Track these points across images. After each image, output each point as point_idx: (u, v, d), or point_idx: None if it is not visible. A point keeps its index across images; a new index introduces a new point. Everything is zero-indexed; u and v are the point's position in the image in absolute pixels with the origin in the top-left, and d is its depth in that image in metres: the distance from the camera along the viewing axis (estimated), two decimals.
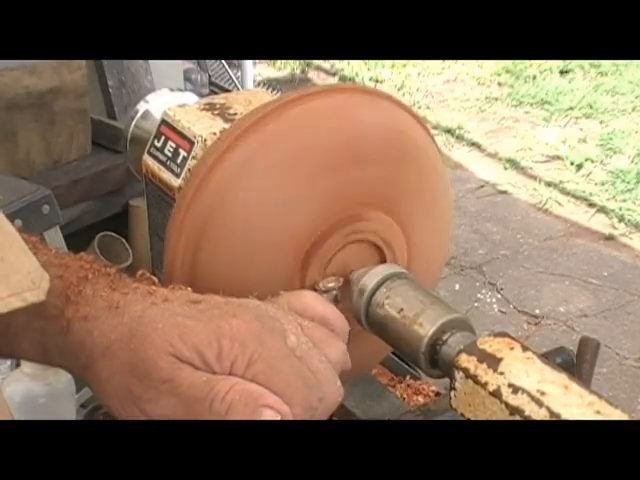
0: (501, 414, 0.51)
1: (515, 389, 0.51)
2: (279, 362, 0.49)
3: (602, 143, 3.93)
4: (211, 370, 0.48)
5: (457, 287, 2.94)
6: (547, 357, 0.54)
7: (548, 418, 0.48)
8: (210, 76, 3.43)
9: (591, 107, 4.28)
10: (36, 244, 0.57)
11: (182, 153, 0.71)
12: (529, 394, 0.50)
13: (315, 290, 0.64)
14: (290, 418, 0.48)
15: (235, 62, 3.44)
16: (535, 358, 0.53)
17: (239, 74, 3.24)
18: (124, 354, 0.49)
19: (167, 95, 0.82)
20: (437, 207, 0.73)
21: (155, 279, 0.55)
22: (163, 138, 0.73)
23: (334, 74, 4.79)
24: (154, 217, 0.77)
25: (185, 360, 0.48)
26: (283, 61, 4.81)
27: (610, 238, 3.25)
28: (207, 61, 3.43)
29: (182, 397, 0.48)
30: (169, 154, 0.72)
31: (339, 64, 4.87)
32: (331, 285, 0.65)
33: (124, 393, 0.49)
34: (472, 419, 0.54)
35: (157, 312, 0.50)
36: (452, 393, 0.55)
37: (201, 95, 0.84)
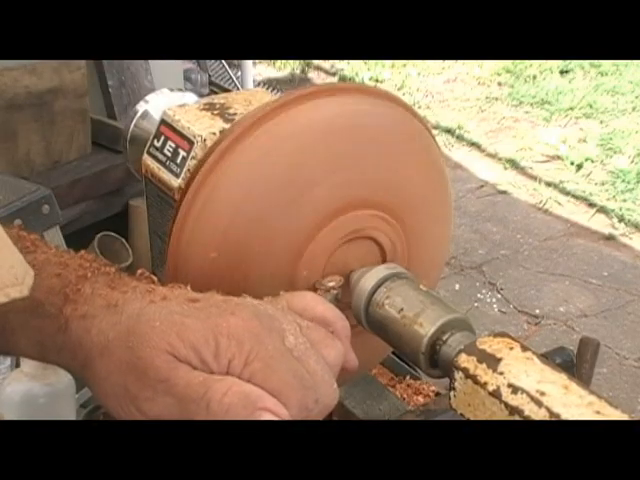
0: (501, 414, 0.51)
1: (515, 389, 0.51)
2: (276, 362, 0.49)
3: (602, 143, 3.93)
4: (209, 369, 0.48)
5: (457, 287, 2.93)
6: (547, 357, 0.54)
7: (548, 418, 0.48)
8: (210, 76, 3.44)
9: (591, 107, 4.28)
10: (36, 242, 0.56)
11: (182, 153, 0.71)
12: (529, 394, 0.50)
13: (315, 290, 0.63)
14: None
15: (235, 62, 3.44)
16: (535, 358, 0.53)
17: (239, 74, 3.25)
18: (122, 352, 0.49)
19: (167, 95, 0.82)
20: (437, 206, 0.73)
21: (154, 278, 0.55)
22: (163, 138, 0.73)
23: (334, 74, 4.79)
24: (154, 217, 0.77)
25: (182, 358, 0.48)
26: (283, 61, 4.81)
27: (610, 238, 3.25)
28: (207, 61, 3.43)
29: (178, 397, 0.48)
30: (169, 154, 0.72)
31: (339, 64, 4.87)
32: (332, 284, 0.64)
33: (121, 392, 0.49)
34: (472, 419, 0.54)
35: (155, 310, 0.50)
36: (452, 393, 0.55)
37: (201, 95, 0.84)
